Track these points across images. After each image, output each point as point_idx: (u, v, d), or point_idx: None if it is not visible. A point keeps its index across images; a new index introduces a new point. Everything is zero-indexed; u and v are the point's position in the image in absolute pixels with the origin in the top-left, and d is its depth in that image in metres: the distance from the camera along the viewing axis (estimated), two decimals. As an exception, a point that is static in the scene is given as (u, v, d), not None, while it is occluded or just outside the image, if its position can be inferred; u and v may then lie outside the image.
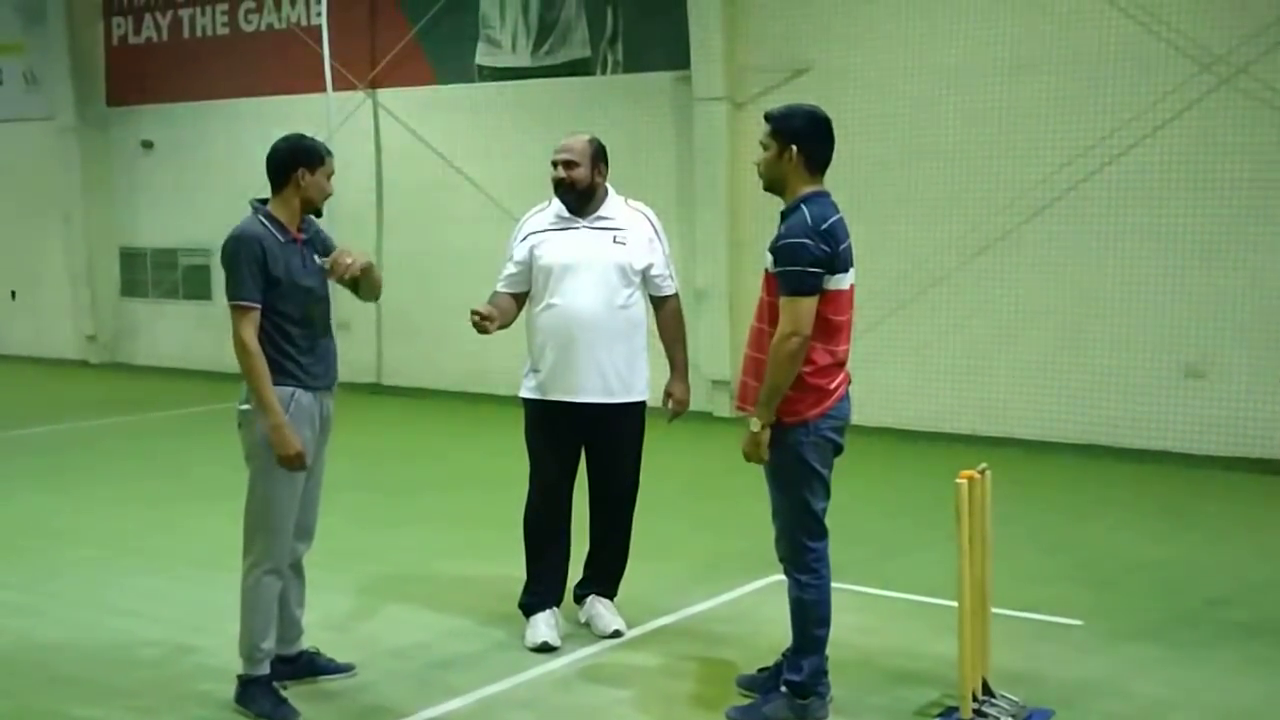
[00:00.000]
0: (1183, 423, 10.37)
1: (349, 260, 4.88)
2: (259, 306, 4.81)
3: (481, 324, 5.43)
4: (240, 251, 4.80)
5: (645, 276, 5.72)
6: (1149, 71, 10.32)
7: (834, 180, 4.80)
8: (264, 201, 4.98)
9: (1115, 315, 10.61)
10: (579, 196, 5.64)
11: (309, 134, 5.13)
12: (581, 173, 5.61)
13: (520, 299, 5.76)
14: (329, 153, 5.05)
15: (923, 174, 11.39)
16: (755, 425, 4.63)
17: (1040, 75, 10.78)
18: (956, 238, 11.23)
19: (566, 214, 5.68)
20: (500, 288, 5.75)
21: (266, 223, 4.90)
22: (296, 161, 4.93)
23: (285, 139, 5.02)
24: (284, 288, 4.84)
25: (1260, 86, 9.92)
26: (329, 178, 5.02)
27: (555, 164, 5.64)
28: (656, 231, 5.79)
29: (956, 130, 11.20)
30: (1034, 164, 10.83)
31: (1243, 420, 10.14)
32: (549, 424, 5.70)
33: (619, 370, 5.64)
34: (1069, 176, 10.69)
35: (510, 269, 5.73)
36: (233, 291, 4.82)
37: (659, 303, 5.86)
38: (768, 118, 4.75)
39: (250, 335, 4.77)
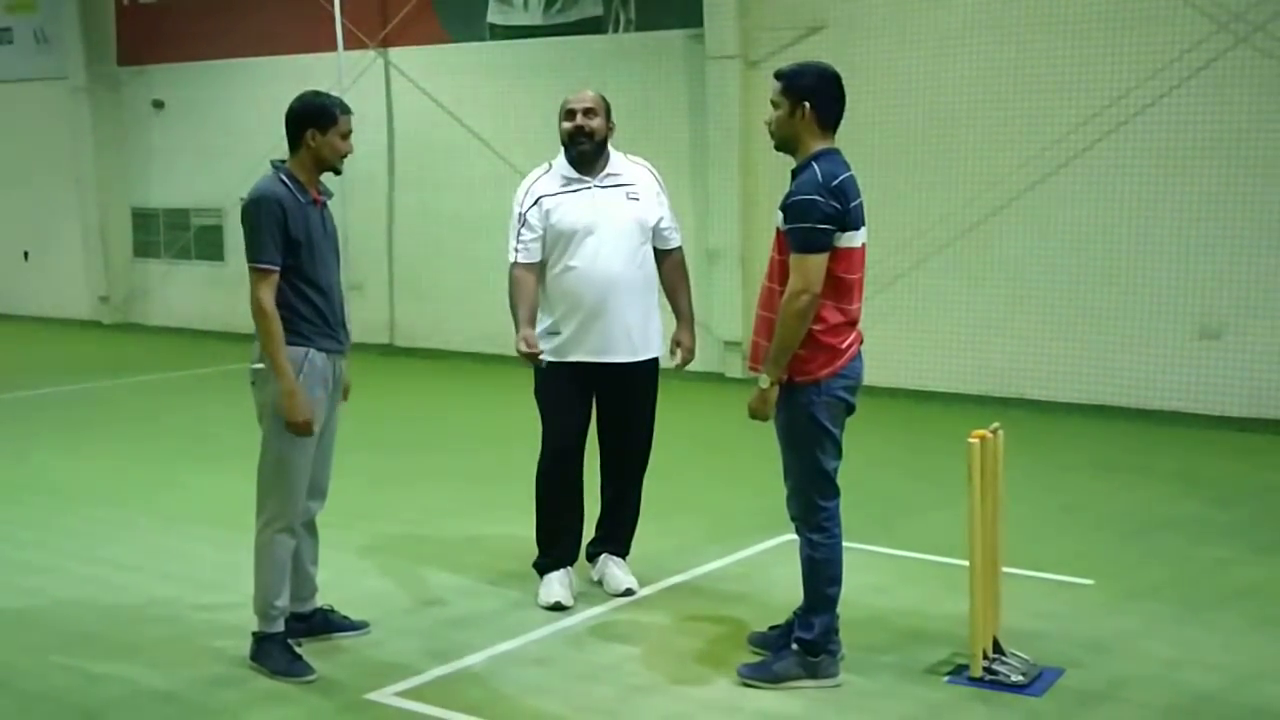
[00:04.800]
0: (1197, 383, 10.33)
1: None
2: (279, 269, 4.74)
3: (537, 360, 5.51)
4: (261, 212, 4.73)
5: (655, 230, 5.71)
6: (1165, 30, 10.21)
7: (847, 139, 4.77)
8: (284, 161, 4.92)
9: (1130, 275, 10.55)
10: (596, 149, 5.59)
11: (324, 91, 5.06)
12: (600, 123, 5.58)
13: (537, 268, 5.64)
14: (345, 110, 4.92)
15: (936, 133, 11.30)
16: (764, 383, 4.63)
17: (1056, 33, 10.67)
18: (971, 197, 11.16)
19: (575, 174, 5.61)
20: (520, 259, 5.58)
21: (287, 182, 4.83)
22: (305, 122, 4.85)
23: (299, 97, 4.94)
24: (303, 249, 4.80)
25: (1277, 45, 9.81)
26: (344, 137, 4.90)
27: (574, 112, 5.56)
28: (660, 184, 5.77)
29: (971, 89, 11.10)
30: (1050, 122, 10.74)
31: (1257, 381, 10.09)
32: (565, 384, 5.67)
33: (640, 328, 5.65)
34: (1085, 135, 10.61)
35: (526, 235, 5.58)
36: (252, 254, 4.74)
37: (665, 255, 5.82)
38: (778, 75, 4.73)
39: (268, 298, 4.72)
